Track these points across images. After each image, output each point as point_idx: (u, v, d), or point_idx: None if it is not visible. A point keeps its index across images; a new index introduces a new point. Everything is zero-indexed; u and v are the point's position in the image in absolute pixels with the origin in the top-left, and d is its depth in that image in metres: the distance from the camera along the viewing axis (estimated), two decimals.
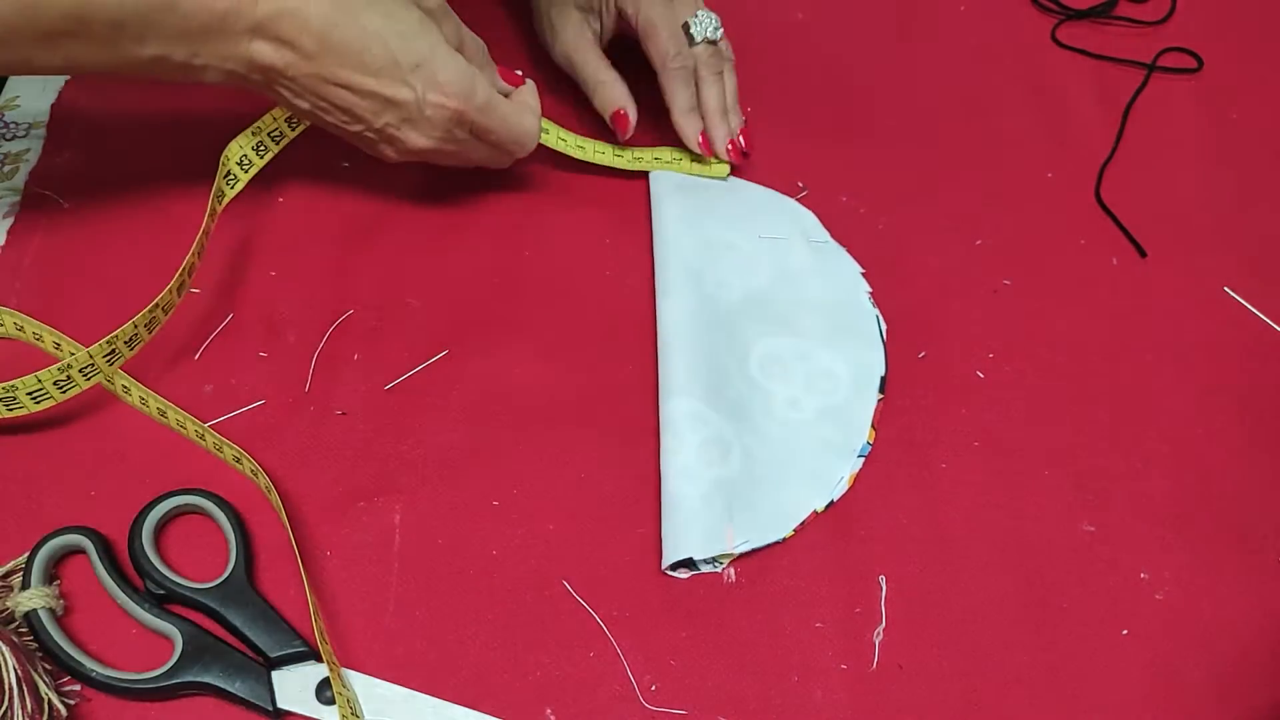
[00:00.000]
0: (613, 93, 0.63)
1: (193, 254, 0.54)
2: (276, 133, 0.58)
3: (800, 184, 0.66)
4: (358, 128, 0.55)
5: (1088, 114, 0.70)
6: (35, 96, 0.66)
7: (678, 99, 0.63)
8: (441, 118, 0.55)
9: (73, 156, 0.63)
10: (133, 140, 0.65)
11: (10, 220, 0.60)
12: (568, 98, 0.67)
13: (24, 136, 0.64)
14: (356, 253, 0.61)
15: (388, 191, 0.63)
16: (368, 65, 0.52)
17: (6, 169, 0.63)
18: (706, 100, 0.64)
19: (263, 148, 0.58)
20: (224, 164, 0.57)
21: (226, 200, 0.57)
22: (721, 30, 0.63)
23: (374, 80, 0.53)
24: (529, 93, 0.60)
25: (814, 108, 0.70)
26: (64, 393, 0.51)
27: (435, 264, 0.60)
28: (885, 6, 0.76)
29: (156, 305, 0.53)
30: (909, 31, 0.75)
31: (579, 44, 0.65)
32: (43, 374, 0.50)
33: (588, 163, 0.64)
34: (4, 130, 0.65)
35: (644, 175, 0.65)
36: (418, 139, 0.56)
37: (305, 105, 0.54)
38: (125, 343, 0.52)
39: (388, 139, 0.56)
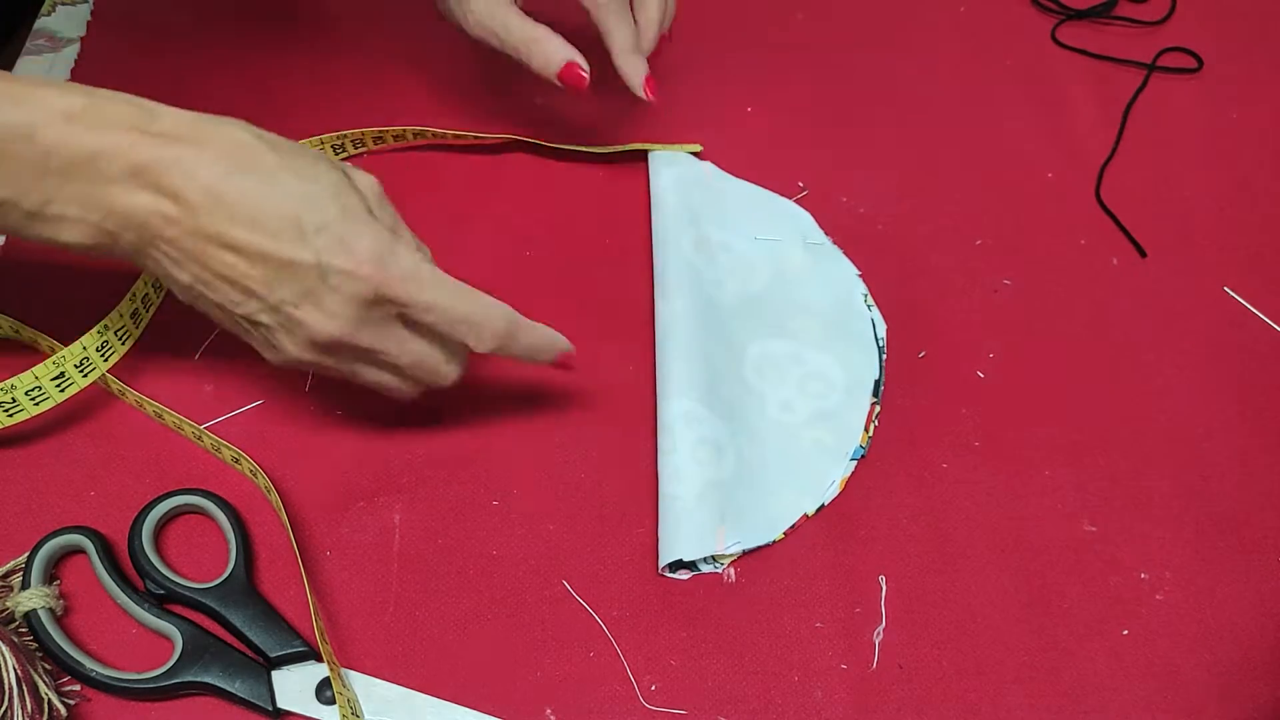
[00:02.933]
0: (550, 46, 0.56)
1: (148, 285, 0.55)
2: None
3: (800, 184, 0.66)
4: (248, 308, 0.44)
5: (1088, 114, 0.70)
6: None
7: (616, 37, 0.57)
8: (351, 290, 0.44)
9: None
10: None
11: None
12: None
13: None
14: None
15: (387, 191, 0.63)
16: (262, 223, 0.43)
17: None
18: (646, 30, 0.59)
19: None
20: None
21: None
22: None
23: (269, 240, 0.43)
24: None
25: (814, 108, 0.70)
26: (63, 392, 0.51)
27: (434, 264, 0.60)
28: (885, 7, 0.76)
29: (134, 295, 0.53)
30: (909, 31, 0.75)
31: (493, 8, 0.57)
32: (39, 369, 0.50)
33: (585, 159, 0.65)
34: None
35: (637, 165, 0.65)
36: (322, 322, 0.44)
37: (186, 278, 0.44)
38: (115, 333, 0.52)
39: (284, 324, 0.45)
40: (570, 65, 0.56)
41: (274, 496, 0.50)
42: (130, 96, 0.43)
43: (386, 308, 0.45)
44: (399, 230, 0.47)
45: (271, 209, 0.43)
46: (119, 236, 0.43)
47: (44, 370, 0.50)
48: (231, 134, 0.43)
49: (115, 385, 0.53)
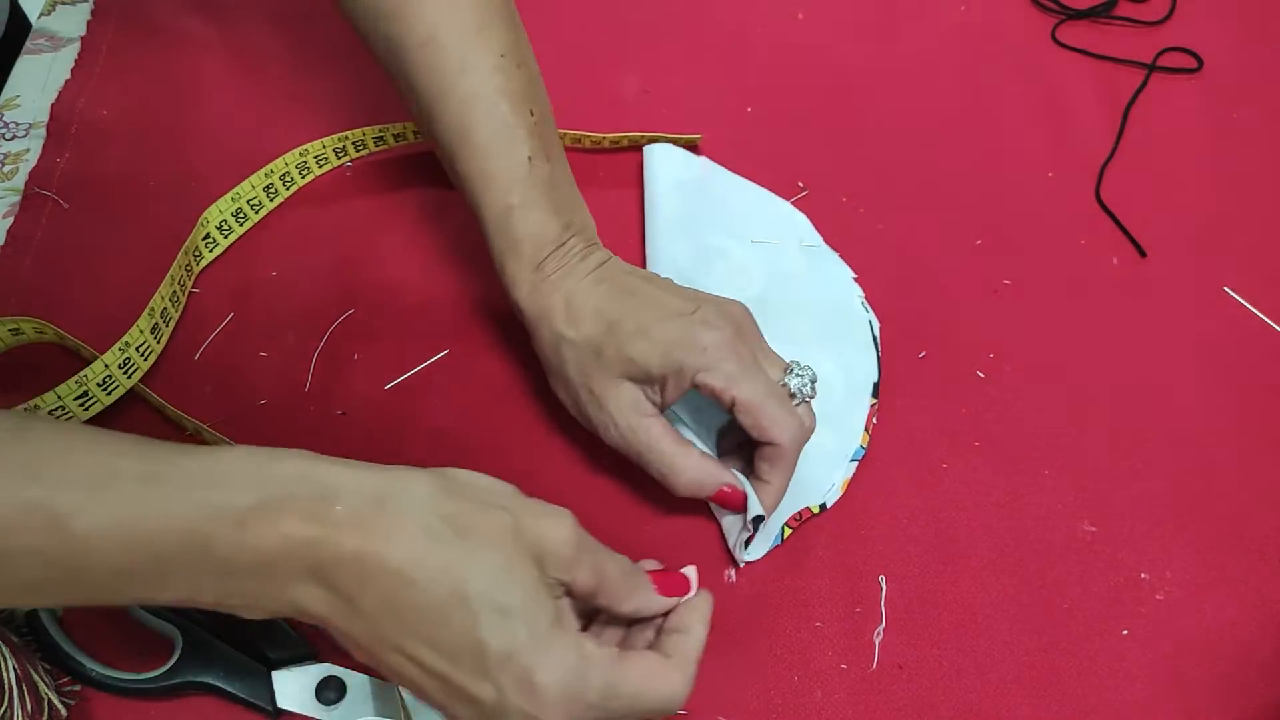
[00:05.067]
0: (703, 471, 0.50)
1: (165, 300, 0.55)
2: (255, 201, 0.60)
3: (800, 184, 0.65)
4: (421, 693, 0.41)
5: (1088, 114, 0.70)
6: (35, 96, 0.66)
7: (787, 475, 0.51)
8: None
9: (73, 156, 0.63)
10: (133, 140, 0.65)
11: (10, 220, 0.60)
12: None
13: (24, 136, 0.64)
14: (356, 253, 0.61)
15: (388, 191, 0.63)
16: (441, 645, 0.39)
17: (6, 169, 0.63)
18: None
19: (242, 215, 0.60)
20: (202, 225, 0.58)
21: (205, 263, 0.59)
22: (816, 380, 0.51)
23: (448, 664, 0.39)
24: (693, 623, 0.43)
25: (814, 108, 0.70)
26: (86, 410, 0.51)
27: (435, 264, 0.60)
28: (885, 7, 0.76)
29: (153, 310, 0.53)
30: (909, 31, 0.75)
31: (643, 424, 0.50)
32: (62, 389, 0.50)
33: (586, 150, 0.65)
34: (4, 130, 0.65)
35: (635, 157, 0.65)
36: None
37: (362, 658, 0.41)
38: (137, 349, 0.53)
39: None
40: (726, 491, 0.50)
41: None
42: (300, 469, 0.40)
43: None
44: (565, 618, 0.41)
45: (449, 633, 0.39)
46: (298, 617, 0.40)
47: (67, 390, 0.50)
48: (415, 519, 0.39)
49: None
